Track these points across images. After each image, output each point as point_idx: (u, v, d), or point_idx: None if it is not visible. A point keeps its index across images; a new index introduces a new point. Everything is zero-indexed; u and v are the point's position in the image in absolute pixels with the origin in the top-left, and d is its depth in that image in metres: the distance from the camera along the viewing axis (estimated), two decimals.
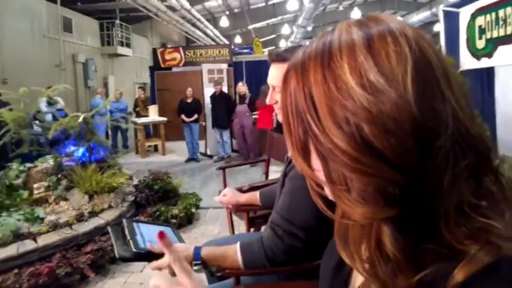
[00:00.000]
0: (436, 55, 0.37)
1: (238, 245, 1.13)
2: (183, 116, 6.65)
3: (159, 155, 7.46)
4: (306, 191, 0.46)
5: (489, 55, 3.95)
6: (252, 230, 2.01)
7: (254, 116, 6.31)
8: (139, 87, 9.05)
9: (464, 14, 4.27)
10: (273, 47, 16.87)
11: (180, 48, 9.24)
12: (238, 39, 17.71)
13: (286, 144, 0.43)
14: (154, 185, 3.75)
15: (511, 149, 3.03)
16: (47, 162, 3.61)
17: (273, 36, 19.31)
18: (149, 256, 0.92)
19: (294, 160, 0.42)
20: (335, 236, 0.48)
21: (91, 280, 2.59)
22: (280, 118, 1.13)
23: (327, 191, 0.41)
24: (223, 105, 6.35)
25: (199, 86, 7.21)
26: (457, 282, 0.33)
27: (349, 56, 0.36)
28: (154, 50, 9.36)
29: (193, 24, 12.75)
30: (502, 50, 3.76)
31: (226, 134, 6.53)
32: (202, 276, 1.25)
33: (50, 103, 4.55)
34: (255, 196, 1.63)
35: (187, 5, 10.59)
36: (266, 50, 12.49)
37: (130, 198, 3.53)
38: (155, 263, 0.92)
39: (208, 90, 6.84)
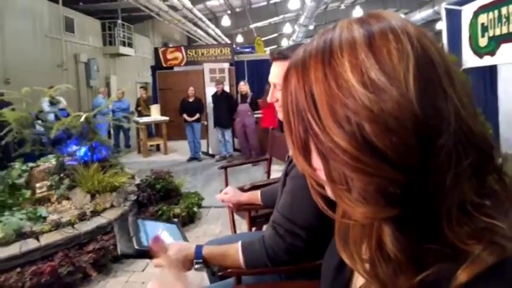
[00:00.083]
0: (438, 53, 0.36)
1: (239, 244, 1.13)
2: (185, 116, 6.66)
3: (161, 155, 7.47)
4: (307, 190, 0.46)
5: (492, 53, 3.93)
6: (253, 229, 2.01)
7: (256, 115, 6.31)
8: (141, 87, 9.05)
9: (467, 11, 4.25)
10: (275, 46, 16.84)
11: (182, 48, 9.25)
12: (239, 39, 17.71)
13: (287, 142, 0.43)
14: (156, 184, 3.76)
15: None
16: (49, 161, 3.62)
17: (275, 35, 19.29)
18: (151, 254, 0.92)
19: (295, 159, 0.42)
20: (335, 235, 0.47)
21: (93, 279, 2.59)
22: (280, 116, 1.13)
23: (328, 191, 0.40)
24: (225, 104, 6.35)
25: (201, 86, 7.21)
26: (460, 283, 0.32)
27: (350, 54, 0.35)
28: (156, 50, 9.37)
29: (195, 24, 12.76)
30: (504, 48, 3.74)
31: (228, 133, 6.53)
32: (204, 275, 1.25)
33: (52, 103, 4.56)
34: (256, 195, 1.63)
35: (189, 4, 10.60)
36: (268, 49, 12.49)
37: (133, 197, 3.53)
38: (157, 261, 0.92)
39: (210, 90, 6.84)
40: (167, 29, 15.20)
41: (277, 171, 2.79)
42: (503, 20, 3.69)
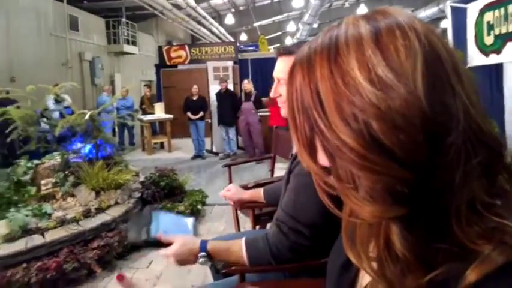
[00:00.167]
0: (446, 49, 0.36)
1: (243, 240, 1.13)
2: (189, 114, 6.67)
3: (165, 152, 7.49)
4: (310, 188, 0.46)
5: (498, 51, 3.90)
6: (257, 227, 2.01)
7: (260, 114, 6.30)
8: (145, 85, 9.09)
9: (472, 9, 4.22)
10: (279, 45, 16.81)
11: (186, 46, 9.25)
12: (243, 37, 17.68)
13: (292, 140, 0.42)
14: (161, 181, 3.77)
15: None
16: (54, 159, 3.64)
17: (279, 33, 19.24)
18: (158, 244, 0.97)
19: (300, 156, 0.41)
20: (342, 234, 0.47)
21: (98, 275, 2.61)
22: (283, 112, 1.13)
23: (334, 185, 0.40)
24: (229, 102, 6.35)
25: (205, 84, 7.22)
26: (469, 283, 0.32)
27: (357, 51, 0.35)
28: (160, 48, 9.38)
29: (199, 22, 12.75)
30: (511, 46, 3.71)
31: (232, 131, 6.54)
32: (208, 272, 1.26)
33: (57, 101, 4.58)
34: (259, 193, 1.63)
35: (192, 2, 10.60)
36: (271, 48, 12.47)
37: (137, 194, 3.54)
38: (163, 251, 1.04)
39: (214, 88, 6.84)
40: (171, 28, 15.20)
41: (281, 169, 2.78)
42: (510, 18, 3.65)
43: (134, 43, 12.47)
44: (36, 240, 2.59)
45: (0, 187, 3.23)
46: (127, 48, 11.94)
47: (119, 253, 2.79)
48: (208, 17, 12.73)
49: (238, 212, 2.24)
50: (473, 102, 0.35)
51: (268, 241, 1.12)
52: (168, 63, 8.98)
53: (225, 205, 3.63)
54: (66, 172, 3.39)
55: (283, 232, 1.11)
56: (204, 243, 1.07)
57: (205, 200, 3.90)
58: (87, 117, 3.54)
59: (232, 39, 13.80)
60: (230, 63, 7.71)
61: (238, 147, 6.90)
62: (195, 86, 6.75)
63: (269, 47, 12.74)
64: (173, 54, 8.97)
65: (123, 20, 11.77)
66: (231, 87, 6.94)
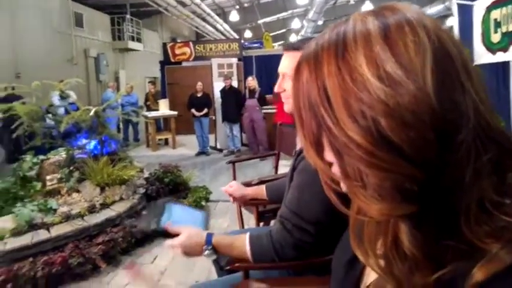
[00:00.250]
0: (455, 46, 0.35)
1: (247, 236, 1.13)
2: (193, 110, 6.68)
3: (170, 149, 7.51)
4: (314, 185, 0.45)
5: (505, 49, 3.86)
6: (261, 224, 2.01)
7: (264, 111, 6.30)
8: (149, 82, 9.12)
9: (479, 7, 4.18)
10: (283, 42, 16.75)
11: (190, 43, 9.24)
12: (248, 34, 17.64)
13: (298, 136, 0.42)
14: (165, 178, 3.79)
15: None
16: (60, 154, 3.67)
17: (283, 30, 19.17)
18: (166, 234, 0.99)
19: (306, 153, 0.41)
20: (350, 232, 0.46)
21: (102, 270, 2.63)
22: (287, 108, 1.13)
23: (343, 186, 0.40)
24: (233, 99, 6.35)
25: (209, 81, 7.21)
26: (476, 282, 0.31)
27: (365, 47, 0.34)
28: (164, 45, 9.38)
29: (203, 19, 12.74)
30: None
31: (236, 128, 6.54)
32: (212, 268, 1.27)
33: (62, 97, 4.60)
34: (261, 190, 1.63)
35: None
36: (276, 45, 12.43)
37: (141, 190, 3.56)
38: (169, 242, 1.07)
39: (218, 85, 6.84)
40: (176, 24, 15.20)
41: (285, 166, 2.78)
42: None
43: (139, 40, 12.50)
44: (42, 235, 2.62)
45: (6, 182, 3.27)
46: (132, 44, 11.97)
47: (123, 248, 2.81)
48: (212, 13, 12.71)
49: (242, 209, 2.24)
50: (483, 98, 0.35)
51: (272, 238, 1.12)
52: (172, 60, 8.98)
53: (229, 202, 3.61)
54: (71, 168, 3.41)
55: (287, 229, 1.10)
56: (209, 236, 1.08)
57: (209, 197, 3.91)
58: (92, 113, 3.56)
59: (237, 36, 13.76)
60: (234, 60, 7.70)
61: (242, 144, 6.91)
62: (199, 83, 6.75)
63: (273, 44, 12.71)
64: (177, 51, 8.97)
65: (128, 16, 11.80)
66: (235, 84, 6.93)
